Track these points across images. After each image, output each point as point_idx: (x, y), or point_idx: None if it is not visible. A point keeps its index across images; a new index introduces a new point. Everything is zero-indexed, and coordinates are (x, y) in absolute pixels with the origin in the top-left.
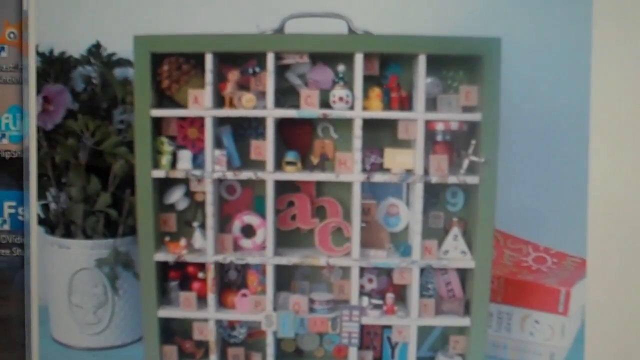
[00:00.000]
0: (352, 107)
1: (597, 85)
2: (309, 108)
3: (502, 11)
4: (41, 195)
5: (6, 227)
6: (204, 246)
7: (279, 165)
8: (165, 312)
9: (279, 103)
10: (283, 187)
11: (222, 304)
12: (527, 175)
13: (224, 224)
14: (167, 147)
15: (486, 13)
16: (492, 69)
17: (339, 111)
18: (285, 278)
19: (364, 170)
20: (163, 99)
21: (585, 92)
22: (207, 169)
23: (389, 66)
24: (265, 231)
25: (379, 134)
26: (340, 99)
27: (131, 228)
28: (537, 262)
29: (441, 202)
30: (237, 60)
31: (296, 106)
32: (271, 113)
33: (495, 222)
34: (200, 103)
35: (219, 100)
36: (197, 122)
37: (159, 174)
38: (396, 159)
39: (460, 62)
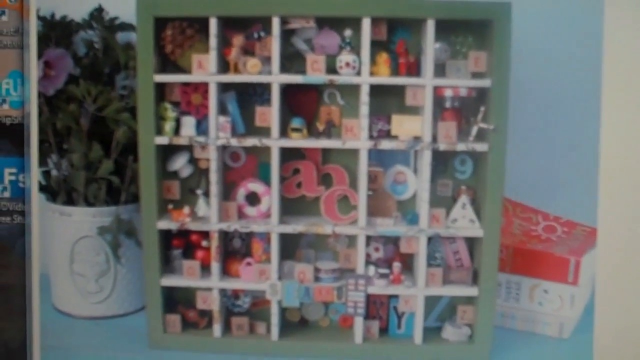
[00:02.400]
0: (359, 73)
1: (609, 52)
2: (315, 74)
3: None
4: (42, 161)
5: (7, 194)
6: (207, 214)
7: (284, 132)
8: (168, 281)
9: (284, 68)
10: (288, 154)
11: (226, 272)
12: (537, 143)
13: (228, 192)
14: (171, 113)
15: None
16: (502, 34)
17: (345, 77)
18: (291, 246)
19: (370, 137)
20: (166, 64)
21: (597, 58)
22: (211, 135)
23: (397, 31)
24: (270, 199)
25: (387, 100)
26: (347, 64)
27: (134, 195)
28: (547, 231)
29: (449, 169)
30: (242, 24)
31: (302, 72)
32: (276, 79)
33: (505, 190)
34: (204, 68)
35: (224, 66)
36: (201, 88)
37: (162, 140)
38: (404, 126)
39: (470, 27)
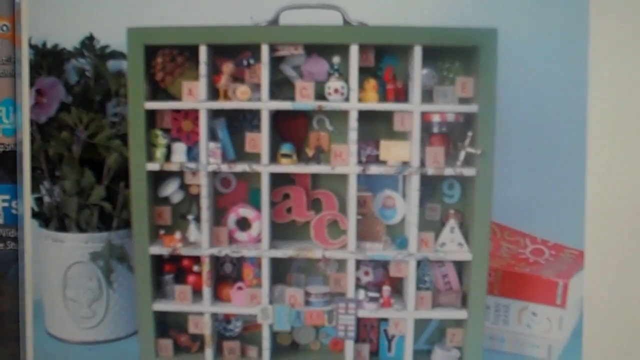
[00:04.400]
0: (347, 99)
1: (595, 76)
2: (304, 100)
3: (499, 1)
4: (35, 188)
5: (0, 220)
6: (199, 239)
7: (274, 158)
8: (160, 306)
9: (273, 95)
10: (278, 180)
11: (217, 297)
12: (524, 167)
13: (219, 217)
14: (162, 139)
15: (482, 3)
16: (488, 60)
17: (334, 103)
18: (281, 271)
19: (359, 162)
20: (157, 91)
21: (583, 82)
22: (202, 161)
23: (384, 57)
24: (261, 224)
25: (375, 125)
26: (336, 90)
27: (125, 221)
28: (535, 254)
29: (438, 194)
30: (232, 52)
31: (291, 98)
32: (266, 105)
33: (492, 214)
34: (194, 95)
35: (214, 93)
36: (192, 115)
37: (153, 166)
38: (392, 151)
39: (456, 53)
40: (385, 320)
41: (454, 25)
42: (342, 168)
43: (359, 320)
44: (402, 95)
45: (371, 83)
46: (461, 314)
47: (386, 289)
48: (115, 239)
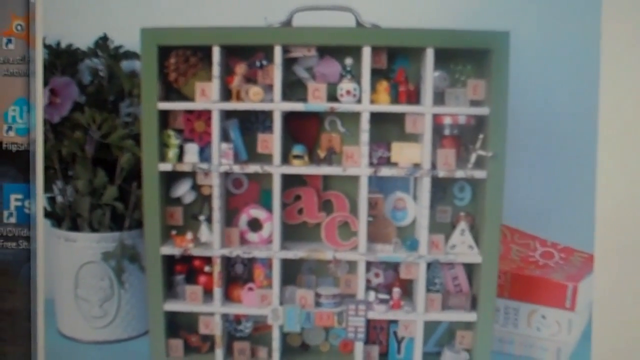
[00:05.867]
0: (359, 101)
1: (606, 80)
2: (316, 101)
3: (511, 4)
4: (47, 188)
5: (12, 220)
6: (210, 240)
7: (285, 159)
8: (171, 306)
9: (286, 96)
10: (290, 181)
11: (228, 297)
12: (534, 170)
13: (230, 218)
14: (174, 140)
15: (495, 6)
16: (500, 62)
17: (346, 105)
18: (292, 272)
19: (371, 164)
20: (170, 91)
21: (594, 86)
22: (214, 162)
23: (396, 59)
24: (272, 225)
25: (387, 127)
26: (348, 92)
27: (137, 221)
28: (545, 257)
29: (448, 196)
30: (245, 53)
31: (303, 99)
32: (278, 106)
33: (503, 216)
34: (207, 96)
35: (226, 93)
36: (204, 115)
37: (166, 167)
38: (403, 153)
39: (469, 56)
40: (395, 322)
41: (466, 28)
42: (353, 170)
43: (368, 322)
44: (413, 98)
45: (383, 85)
46: (471, 317)
47: (396, 290)
48: (127, 239)
